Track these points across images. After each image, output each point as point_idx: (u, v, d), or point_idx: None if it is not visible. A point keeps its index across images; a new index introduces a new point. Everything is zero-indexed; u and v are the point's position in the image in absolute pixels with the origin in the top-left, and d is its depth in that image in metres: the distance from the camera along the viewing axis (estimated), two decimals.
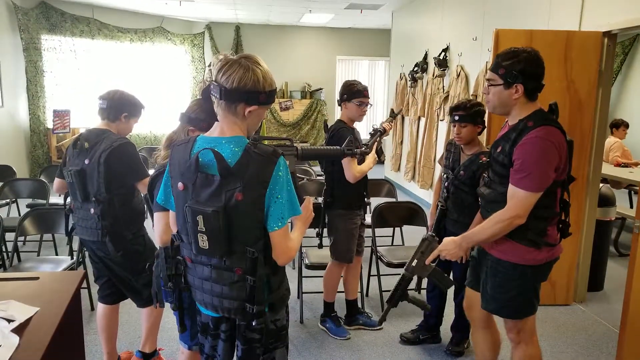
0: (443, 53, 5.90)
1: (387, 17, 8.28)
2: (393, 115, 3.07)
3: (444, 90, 5.91)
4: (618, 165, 5.92)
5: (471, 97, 5.12)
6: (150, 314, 2.58)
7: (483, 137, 3.88)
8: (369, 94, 2.95)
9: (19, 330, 1.32)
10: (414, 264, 2.12)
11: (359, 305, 3.31)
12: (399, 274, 3.23)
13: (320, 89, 9.89)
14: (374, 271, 3.61)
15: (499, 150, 1.92)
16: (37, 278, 1.71)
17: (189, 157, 1.44)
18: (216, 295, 1.49)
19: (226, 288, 1.47)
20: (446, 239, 2.03)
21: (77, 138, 2.42)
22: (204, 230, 1.40)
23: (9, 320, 1.35)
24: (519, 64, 1.82)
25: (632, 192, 6.29)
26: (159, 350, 2.72)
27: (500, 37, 3.26)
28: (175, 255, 1.58)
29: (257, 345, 1.53)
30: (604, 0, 3.36)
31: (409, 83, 7.08)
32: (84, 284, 3.32)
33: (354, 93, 2.86)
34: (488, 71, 1.93)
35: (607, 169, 5.43)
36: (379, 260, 3.48)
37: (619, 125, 6.27)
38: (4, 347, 1.20)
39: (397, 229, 4.58)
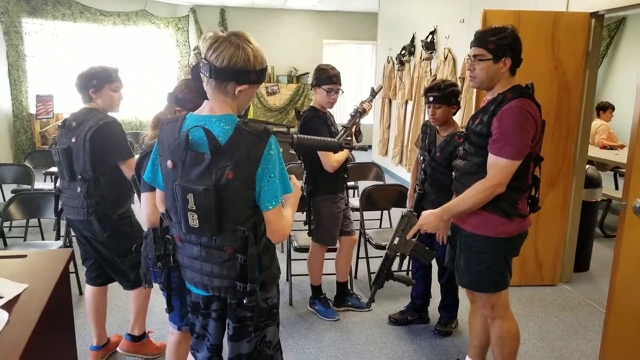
0: (430, 36, 5.87)
1: (374, 0, 8.20)
2: (373, 93, 2.98)
3: (431, 73, 5.89)
4: (604, 147, 5.98)
5: (458, 80, 5.12)
6: (138, 296, 2.57)
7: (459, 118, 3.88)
8: (339, 80, 2.83)
9: (8, 307, 1.30)
10: (395, 241, 2.13)
11: (348, 287, 3.33)
12: None
13: (307, 73, 9.80)
14: (362, 253, 3.62)
15: (476, 122, 1.96)
16: (25, 256, 1.70)
17: (179, 134, 1.43)
18: (206, 274, 1.48)
19: (216, 267, 1.46)
20: (425, 212, 2.05)
21: (66, 118, 2.41)
22: (194, 208, 1.39)
23: None
24: (506, 39, 1.88)
25: (617, 174, 6.38)
26: (148, 332, 2.71)
27: (488, 18, 3.24)
28: (164, 235, 1.58)
29: (248, 324, 1.54)
30: None
31: (396, 66, 7.04)
32: (72, 268, 3.29)
33: (323, 79, 2.80)
34: (472, 47, 1.94)
35: (593, 152, 5.48)
36: (367, 243, 3.49)
37: (606, 108, 6.33)
38: None
39: (385, 212, 4.60)
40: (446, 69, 5.43)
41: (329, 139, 1.85)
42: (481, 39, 1.91)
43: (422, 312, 3.09)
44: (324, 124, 2.81)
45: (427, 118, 2.81)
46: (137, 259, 2.50)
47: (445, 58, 5.46)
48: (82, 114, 2.35)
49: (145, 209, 1.82)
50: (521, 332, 2.76)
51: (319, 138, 1.86)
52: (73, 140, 2.31)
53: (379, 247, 3.33)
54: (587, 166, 3.83)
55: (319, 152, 2.73)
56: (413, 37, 6.48)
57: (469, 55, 1.97)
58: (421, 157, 2.81)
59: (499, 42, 1.87)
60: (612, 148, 6.01)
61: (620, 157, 5.44)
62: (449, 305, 2.94)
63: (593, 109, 3.81)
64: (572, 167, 3.51)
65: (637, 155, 2.07)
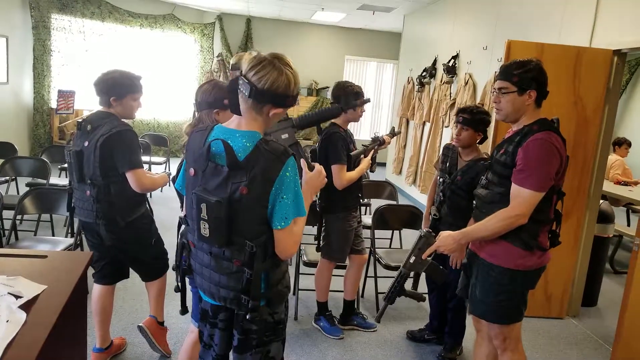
0: (452, 60, 5.91)
1: (399, 20, 8.28)
2: (393, 133, 3.12)
3: (450, 97, 5.93)
4: (618, 183, 5.95)
5: (478, 105, 5.14)
6: (155, 285, 2.65)
7: (487, 148, 3.90)
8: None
9: (26, 306, 1.32)
10: (411, 260, 2.13)
11: (355, 306, 3.33)
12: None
13: (327, 87, 9.87)
14: (371, 272, 3.63)
15: (501, 152, 1.98)
16: (45, 256, 1.72)
17: (203, 144, 1.47)
18: (214, 283, 1.52)
19: (224, 277, 1.49)
20: (444, 234, 2.05)
21: (83, 119, 2.43)
22: (206, 218, 1.42)
23: (17, 297, 1.36)
24: (531, 72, 1.91)
25: (630, 210, 6.33)
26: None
27: (512, 48, 3.27)
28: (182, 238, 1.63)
29: (253, 337, 1.54)
30: (616, 19, 3.37)
31: (416, 87, 7.09)
32: None
33: (355, 94, 2.85)
34: (497, 81, 1.99)
35: (607, 186, 5.45)
36: (377, 262, 3.50)
37: (622, 144, 6.30)
38: (11, 323, 1.21)
39: (396, 232, 4.61)
40: (466, 94, 5.46)
41: (329, 107, 1.91)
42: (506, 72, 1.95)
43: (439, 333, 3.09)
44: (344, 140, 2.84)
45: (448, 141, 2.85)
46: (158, 250, 2.62)
47: (466, 83, 5.49)
48: (98, 118, 2.35)
49: None
50: None
51: (317, 111, 1.94)
52: (85, 144, 2.32)
53: (388, 267, 3.34)
54: (601, 201, 3.82)
55: (332, 168, 2.74)
56: (435, 60, 6.53)
57: (494, 88, 2.00)
58: (440, 179, 2.83)
59: (523, 74, 1.90)
60: (626, 184, 5.96)
61: (634, 193, 5.40)
62: (455, 331, 2.93)
63: (610, 145, 3.81)
64: (587, 201, 3.51)
65: None
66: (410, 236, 4.19)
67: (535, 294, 3.55)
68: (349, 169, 2.81)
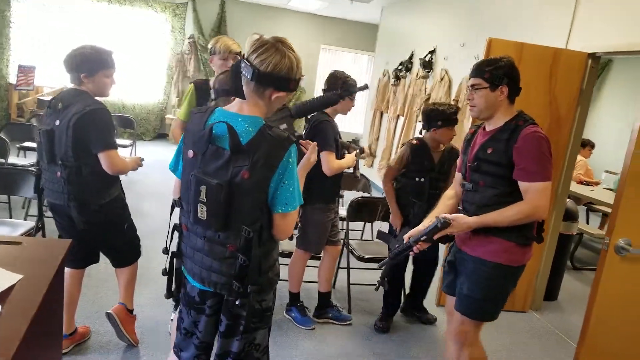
0: (429, 55, 5.94)
1: (377, 11, 8.25)
2: (360, 153, 3.03)
3: (426, 91, 5.96)
4: (580, 182, 6.16)
5: (452, 102, 5.19)
6: (126, 271, 2.57)
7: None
8: None
9: (0, 298, 1.23)
10: (422, 239, 2.00)
11: (330, 298, 3.31)
12: (369, 268, 3.29)
13: (302, 76, 9.76)
14: (343, 264, 3.62)
15: (489, 151, 1.96)
16: (20, 243, 1.61)
17: (204, 126, 1.45)
18: (205, 268, 1.50)
19: (216, 262, 1.48)
20: (459, 219, 1.93)
21: (53, 97, 2.32)
22: (204, 201, 1.41)
23: None
24: (502, 68, 1.94)
25: (589, 209, 6.58)
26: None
27: (492, 46, 3.29)
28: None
29: (241, 322, 1.54)
30: (592, 24, 3.45)
31: (391, 81, 7.10)
32: None
33: (352, 85, 2.86)
34: (470, 79, 2.01)
35: (570, 186, 5.63)
36: (350, 254, 3.49)
37: (586, 145, 6.52)
38: None
39: (368, 224, 4.61)
40: (441, 89, 5.50)
41: (326, 95, 1.91)
42: (478, 70, 1.99)
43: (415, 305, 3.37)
44: (333, 130, 2.82)
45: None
46: (131, 235, 2.54)
47: (442, 79, 5.53)
48: (70, 96, 2.25)
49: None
50: (491, 357, 2.81)
51: (315, 99, 1.92)
52: (57, 122, 2.21)
53: (362, 259, 3.34)
54: (567, 200, 3.94)
55: (321, 154, 2.69)
56: (412, 54, 6.54)
57: (468, 86, 2.03)
58: (421, 179, 2.94)
59: (494, 71, 1.93)
60: (587, 184, 6.19)
61: (594, 193, 5.61)
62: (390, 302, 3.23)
63: (579, 146, 3.91)
64: (554, 200, 3.60)
65: (625, 197, 2.14)
66: (382, 229, 4.20)
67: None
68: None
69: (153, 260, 3.23)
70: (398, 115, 6.79)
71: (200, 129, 1.46)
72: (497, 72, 1.93)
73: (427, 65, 5.92)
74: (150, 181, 5.91)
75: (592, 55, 3.37)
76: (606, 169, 7.07)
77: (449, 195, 2.26)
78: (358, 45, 10.13)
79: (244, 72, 1.42)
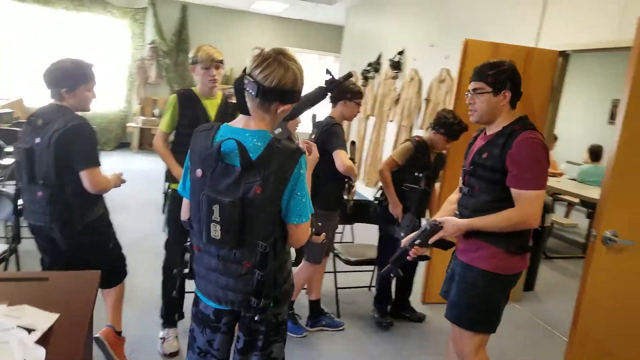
0: (398, 56, 6.01)
1: (341, 13, 8.30)
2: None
3: (396, 92, 6.04)
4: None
5: (424, 101, 5.29)
6: (114, 292, 2.48)
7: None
8: None
9: (43, 341, 1.14)
10: (417, 242, 2.01)
11: (321, 305, 3.28)
12: (354, 271, 3.29)
13: None
14: (329, 268, 3.60)
15: (484, 156, 1.92)
16: (47, 279, 1.53)
17: (211, 144, 1.43)
18: (221, 287, 1.48)
19: (232, 280, 1.46)
20: (449, 222, 1.95)
21: (32, 114, 2.21)
22: (218, 220, 1.39)
23: (29, 330, 1.17)
24: (505, 72, 1.89)
25: (554, 199, 6.85)
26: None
27: (468, 47, 3.37)
28: (182, 242, 1.59)
29: (260, 338, 1.54)
30: (561, 23, 3.58)
31: (360, 82, 7.15)
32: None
33: (356, 93, 2.89)
34: (472, 82, 1.96)
35: None
36: (336, 258, 3.48)
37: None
38: None
39: (348, 227, 4.62)
40: (411, 89, 5.58)
41: (311, 92, 1.91)
42: (480, 73, 1.92)
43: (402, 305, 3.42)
44: (343, 133, 2.83)
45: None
46: (116, 255, 2.45)
47: (412, 79, 5.61)
48: (51, 112, 2.15)
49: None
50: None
51: (303, 98, 1.93)
52: (37, 140, 2.10)
53: (348, 262, 3.34)
54: None
55: (336, 153, 2.68)
56: (380, 55, 6.61)
57: (469, 90, 1.97)
58: (420, 174, 3.01)
59: (497, 75, 1.88)
60: (553, 175, 6.43)
61: (560, 185, 5.84)
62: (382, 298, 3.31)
63: (551, 141, 4.05)
64: None
65: (611, 190, 2.21)
66: (362, 229, 4.20)
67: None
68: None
69: (134, 277, 3.12)
70: (368, 116, 6.84)
71: (207, 147, 1.43)
72: (500, 76, 1.88)
73: (397, 66, 5.99)
74: (116, 193, 5.71)
75: (563, 53, 3.50)
76: (567, 159, 7.40)
77: (452, 199, 2.21)
78: (323, 46, 10.16)
79: (247, 89, 1.40)
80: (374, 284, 3.65)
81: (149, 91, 9.26)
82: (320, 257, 2.99)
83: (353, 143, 3.12)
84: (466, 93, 2.01)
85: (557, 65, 3.52)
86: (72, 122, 2.10)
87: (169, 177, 2.68)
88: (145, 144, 9.14)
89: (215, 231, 1.40)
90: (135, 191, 5.55)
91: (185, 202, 1.58)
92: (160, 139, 2.66)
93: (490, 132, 1.97)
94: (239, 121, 1.47)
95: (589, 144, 6.07)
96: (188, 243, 1.56)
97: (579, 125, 7.59)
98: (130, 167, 7.45)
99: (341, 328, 3.20)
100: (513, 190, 1.84)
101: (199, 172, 1.44)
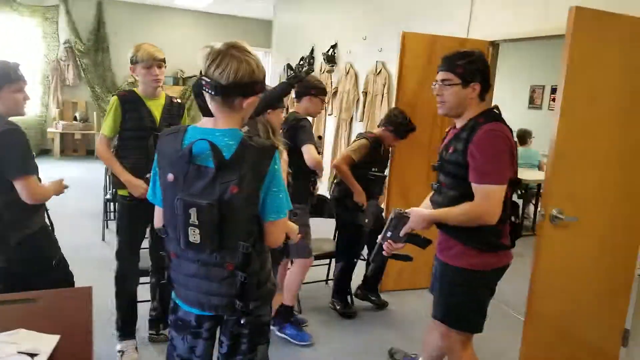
0: (331, 49, 6.05)
1: (269, 7, 8.20)
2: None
3: (332, 86, 6.08)
4: None
5: (361, 94, 5.37)
6: None
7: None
8: None
9: None
10: (388, 235, 1.99)
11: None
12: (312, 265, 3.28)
13: (195, 76, 9.40)
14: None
15: (450, 151, 1.88)
16: (33, 300, 1.45)
17: (180, 147, 1.38)
18: (203, 293, 1.45)
19: (215, 285, 1.43)
20: (415, 212, 1.92)
21: None
22: (196, 223, 1.35)
23: (32, 355, 1.10)
24: (475, 63, 1.83)
25: None
26: None
27: (406, 40, 3.44)
28: (156, 251, 1.54)
29: (243, 341, 1.52)
30: (489, 14, 3.77)
31: None
32: None
33: (321, 89, 2.93)
34: (440, 72, 1.89)
35: None
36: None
37: None
38: None
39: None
40: (348, 83, 5.65)
41: (275, 87, 1.91)
42: (449, 63, 1.85)
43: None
44: (311, 127, 2.83)
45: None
46: (61, 273, 2.26)
47: (347, 72, 5.67)
48: None
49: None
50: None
51: (267, 93, 1.93)
52: None
53: (316, 257, 3.32)
54: None
55: (305, 148, 2.68)
56: (312, 49, 6.61)
57: (437, 80, 1.90)
58: (376, 170, 3.17)
59: (467, 66, 1.81)
60: None
61: None
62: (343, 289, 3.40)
63: None
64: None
65: (555, 171, 2.36)
66: (320, 224, 4.21)
67: (428, 267, 3.85)
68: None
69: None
70: None
71: (176, 149, 1.39)
72: (470, 67, 1.80)
73: (331, 59, 6.03)
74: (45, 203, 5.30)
75: (493, 43, 3.69)
76: None
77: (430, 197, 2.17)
78: (252, 41, 9.58)
79: (206, 89, 1.37)
80: (330, 277, 3.66)
81: (67, 94, 8.65)
82: (310, 251, 2.93)
83: (320, 137, 3.12)
84: (434, 84, 1.93)
85: (488, 56, 3.70)
86: (1, 128, 1.95)
87: (116, 183, 2.53)
88: (67, 150, 8.54)
89: (194, 235, 1.36)
90: (66, 200, 5.17)
91: (157, 210, 1.53)
92: (104, 144, 2.53)
93: (458, 126, 1.91)
94: (207, 122, 1.43)
95: (515, 129, 6.46)
96: (163, 252, 1.51)
97: (505, 111, 7.99)
98: (54, 175, 6.91)
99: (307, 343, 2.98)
100: (473, 185, 1.78)
101: (170, 176, 1.39)
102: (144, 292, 2.80)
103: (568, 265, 2.47)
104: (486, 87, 1.88)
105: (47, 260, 2.18)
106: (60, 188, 2.26)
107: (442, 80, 1.88)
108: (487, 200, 1.75)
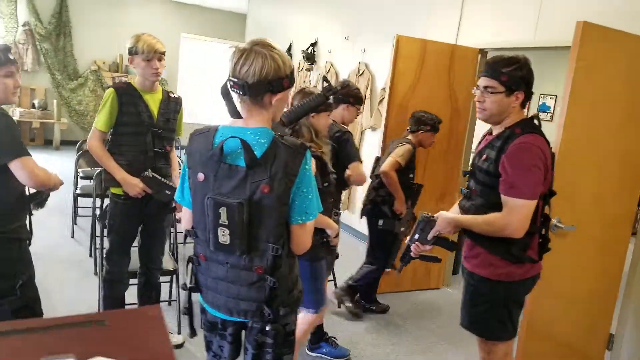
0: (311, 47, 5.98)
1: (244, 0, 8.02)
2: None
3: (311, 84, 6.01)
4: None
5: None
6: None
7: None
8: None
9: None
10: (416, 237, 1.97)
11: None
12: None
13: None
14: None
15: (483, 158, 1.84)
16: (103, 322, 1.34)
17: (211, 146, 1.37)
18: (232, 297, 1.42)
19: (244, 289, 1.40)
20: (442, 217, 1.91)
21: None
22: (226, 223, 1.33)
23: None
24: (520, 70, 1.76)
25: None
26: None
27: (400, 43, 3.44)
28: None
29: (267, 350, 1.49)
30: (478, 22, 3.82)
31: None
32: None
33: (359, 99, 2.91)
34: (483, 78, 1.81)
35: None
36: None
37: None
38: None
39: None
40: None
41: (310, 98, 1.89)
42: (494, 70, 1.77)
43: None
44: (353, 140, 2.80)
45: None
46: (27, 298, 1.98)
47: (327, 72, 5.62)
48: None
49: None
50: (437, 335, 3.00)
51: (302, 103, 1.89)
52: None
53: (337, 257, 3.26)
54: None
55: (353, 165, 2.64)
56: (290, 46, 6.51)
57: (478, 86, 1.83)
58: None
59: (512, 73, 1.74)
60: None
61: None
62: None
63: (472, 133, 4.33)
64: (458, 182, 3.95)
65: (555, 181, 2.41)
66: None
67: (417, 269, 3.90)
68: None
69: (52, 292, 2.73)
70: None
71: (207, 148, 1.38)
72: (515, 74, 1.74)
73: (310, 57, 5.96)
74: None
75: (482, 51, 3.74)
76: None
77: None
78: (224, 34, 9.74)
79: (234, 90, 1.37)
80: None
81: (25, 79, 8.13)
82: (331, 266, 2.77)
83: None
84: (474, 89, 1.86)
85: (477, 62, 3.76)
86: None
87: (110, 181, 2.39)
88: (23, 139, 8.02)
89: (224, 236, 1.35)
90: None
91: (186, 211, 1.51)
92: (97, 139, 2.39)
93: (495, 133, 1.87)
94: (238, 120, 1.42)
95: None
96: (192, 255, 1.49)
97: None
98: None
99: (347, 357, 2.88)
100: (502, 196, 1.76)
101: (200, 176, 1.38)
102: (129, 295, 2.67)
103: (562, 272, 2.54)
104: (529, 95, 1.82)
105: (10, 279, 1.92)
106: (59, 180, 2.07)
107: (485, 87, 1.80)
108: (512, 214, 1.73)
